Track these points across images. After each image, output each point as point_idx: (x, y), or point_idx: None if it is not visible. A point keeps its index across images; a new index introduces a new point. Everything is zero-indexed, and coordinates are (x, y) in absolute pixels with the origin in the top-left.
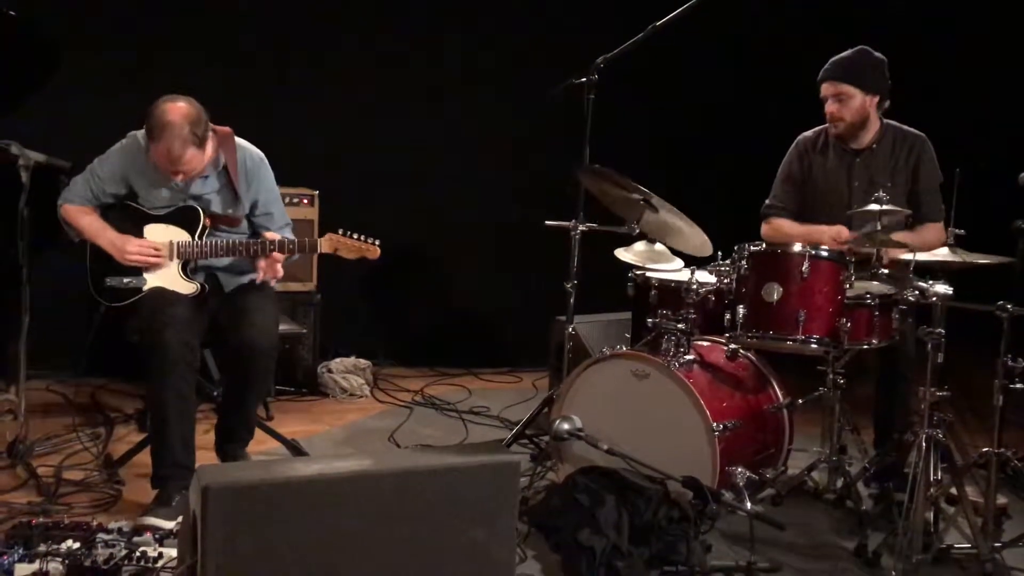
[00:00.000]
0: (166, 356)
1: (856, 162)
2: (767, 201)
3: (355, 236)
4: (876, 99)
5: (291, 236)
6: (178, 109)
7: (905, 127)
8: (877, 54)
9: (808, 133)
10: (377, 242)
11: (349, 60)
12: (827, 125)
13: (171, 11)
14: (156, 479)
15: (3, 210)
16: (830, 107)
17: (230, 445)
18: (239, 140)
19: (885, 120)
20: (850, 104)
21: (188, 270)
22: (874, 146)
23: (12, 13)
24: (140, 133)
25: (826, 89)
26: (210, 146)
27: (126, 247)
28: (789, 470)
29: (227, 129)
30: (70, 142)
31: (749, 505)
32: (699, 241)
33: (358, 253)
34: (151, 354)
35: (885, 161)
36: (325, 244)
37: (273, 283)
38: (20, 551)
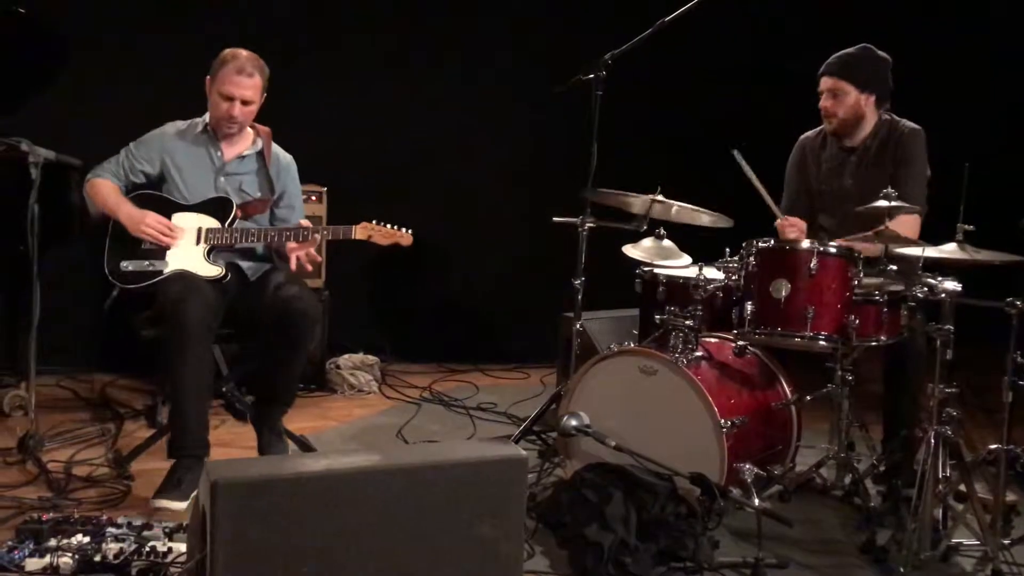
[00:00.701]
0: (185, 331)
1: (851, 160)
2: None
3: (388, 226)
4: (872, 98)
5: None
6: (249, 51)
7: (901, 120)
8: (881, 53)
9: (810, 133)
10: (410, 231)
11: (357, 57)
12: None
13: (180, 9)
14: (172, 448)
15: (13, 206)
16: (824, 102)
17: (274, 408)
18: (274, 143)
19: (884, 116)
20: (844, 101)
21: (212, 256)
22: (869, 143)
23: (22, 11)
24: (178, 122)
25: (823, 84)
26: (251, 133)
27: (144, 219)
28: (797, 467)
29: (267, 128)
30: (80, 139)
31: (757, 501)
32: (710, 218)
33: (392, 239)
34: (171, 329)
35: (879, 157)
36: (359, 231)
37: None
38: (31, 546)
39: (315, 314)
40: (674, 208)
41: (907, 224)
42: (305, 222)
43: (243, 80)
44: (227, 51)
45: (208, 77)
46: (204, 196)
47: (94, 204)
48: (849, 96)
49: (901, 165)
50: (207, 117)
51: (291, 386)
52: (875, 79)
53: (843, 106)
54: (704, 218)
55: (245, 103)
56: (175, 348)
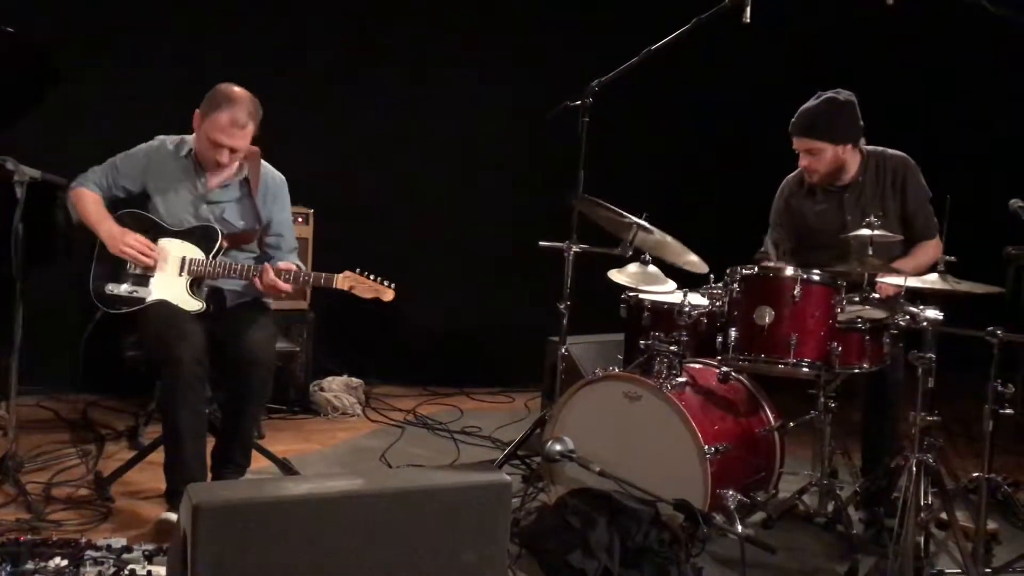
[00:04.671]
0: (180, 372)
1: (845, 197)
2: (761, 248)
3: (371, 277)
4: (848, 146)
5: (297, 261)
6: (243, 90)
7: (886, 151)
8: (842, 97)
9: (790, 177)
10: (392, 285)
11: (345, 80)
12: None
13: (168, 29)
14: (171, 495)
15: None
16: (803, 161)
17: (226, 470)
18: (264, 162)
19: (866, 148)
20: (822, 157)
21: (195, 287)
22: (860, 179)
23: (10, 30)
24: (168, 138)
25: (796, 144)
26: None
27: (124, 238)
28: (780, 493)
29: (255, 148)
30: (67, 159)
31: (740, 528)
32: (693, 258)
33: (373, 293)
34: (165, 370)
35: (873, 190)
36: (342, 281)
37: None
38: (8, 568)
39: (267, 363)
40: (658, 236)
41: (932, 249)
42: (287, 264)
43: (235, 132)
44: (222, 90)
45: (198, 111)
46: (184, 223)
47: (76, 213)
48: (826, 152)
49: (910, 201)
50: (193, 141)
51: (245, 445)
52: (846, 129)
53: (823, 162)
54: (686, 257)
55: (234, 151)
56: (170, 392)
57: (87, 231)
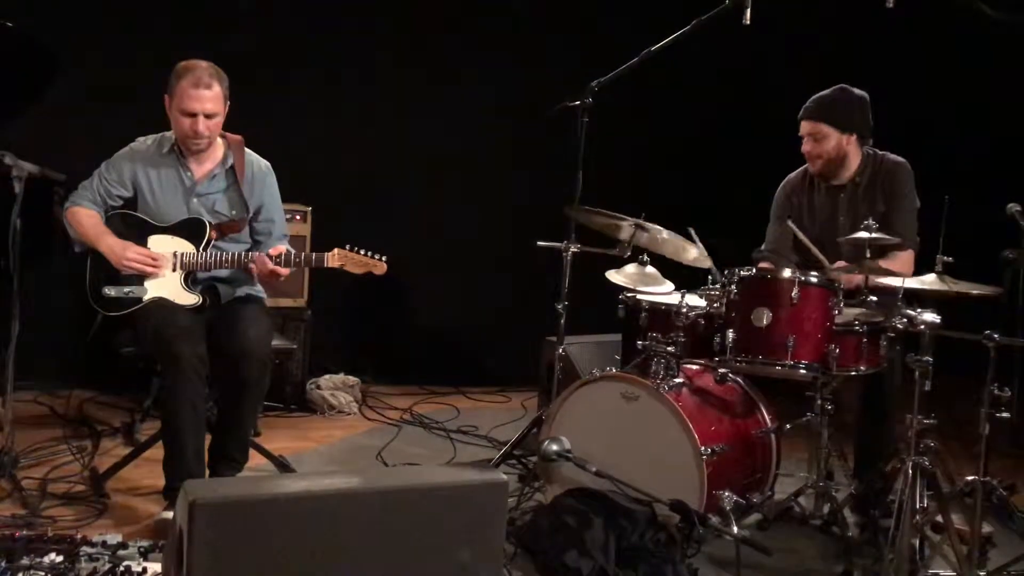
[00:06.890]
0: (180, 368)
1: (841, 198)
2: (760, 247)
3: (363, 252)
4: (853, 137)
5: (288, 245)
6: (203, 60)
7: (888, 156)
8: (857, 92)
9: (792, 175)
10: (384, 258)
11: (346, 79)
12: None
13: (168, 24)
14: (169, 491)
15: None
16: (806, 146)
17: (223, 466)
18: (248, 149)
19: (868, 151)
20: (825, 143)
21: (190, 282)
22: (857, 180)
23: (9, 24)
24: (145, 138)
25: (804, 127)
26: (221, 146)
27: (125, 253)
28: (776, 495)
29: (238, 137)
30: (65, 154)
31: (736, 529)
32: (694, 253)
33: (365, 268)
34: (165, 367)
35: (868, 193)
36: (333, 259)
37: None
38: (3, 564)
39: (263, 359)
40: (659, 235)
41: (902, 261)
42: (280, 248)
43: (202, 93)
44: (181, 64)
45: (166, 95)
46: (176, 218)
47: (75, 233)
48: (830, 139)
49: (891, 201)
50: (174, 135)
51: (243, 441)
52: (854, 119)
53: (825, 148)
54: (688, 253)
55: (209, 116)
56: (170, 389)
57: (88, 249)
